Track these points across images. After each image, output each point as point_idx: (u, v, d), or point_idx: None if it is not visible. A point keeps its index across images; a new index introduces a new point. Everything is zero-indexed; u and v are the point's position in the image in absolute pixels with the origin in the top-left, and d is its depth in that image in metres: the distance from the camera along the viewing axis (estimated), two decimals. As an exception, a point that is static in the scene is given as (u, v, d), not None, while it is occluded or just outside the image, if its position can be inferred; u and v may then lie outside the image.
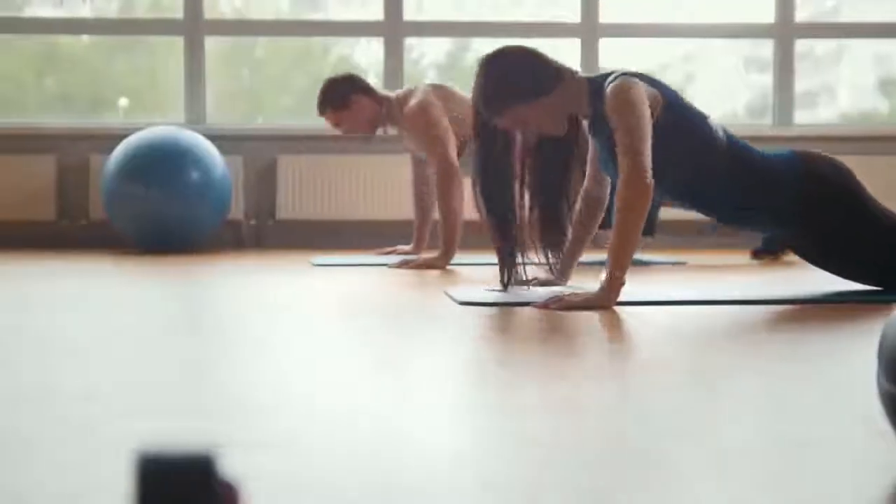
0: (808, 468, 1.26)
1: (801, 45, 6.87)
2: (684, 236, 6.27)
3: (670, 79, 7.40)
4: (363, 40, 6.86)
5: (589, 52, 6.64)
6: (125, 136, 5.86)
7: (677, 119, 3.18)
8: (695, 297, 3.16)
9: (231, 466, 1.25)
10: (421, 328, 2.58)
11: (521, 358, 2.10)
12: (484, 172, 3.34)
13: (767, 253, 5.08)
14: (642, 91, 3.11)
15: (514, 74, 3.21)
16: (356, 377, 1.88)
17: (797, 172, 3.25)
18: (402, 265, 4.63)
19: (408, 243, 5.46)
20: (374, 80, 6.48)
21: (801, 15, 6.79)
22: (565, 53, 6.81)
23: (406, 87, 5.14)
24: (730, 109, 7.10)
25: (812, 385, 1.82)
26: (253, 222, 6.46)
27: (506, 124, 3.24)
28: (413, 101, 4.87)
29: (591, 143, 3.37)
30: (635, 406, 1.63)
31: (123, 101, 6.97)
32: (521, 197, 3.39)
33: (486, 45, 7.03)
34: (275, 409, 1.60)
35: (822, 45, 7.42)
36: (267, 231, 6.48)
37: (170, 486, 0.78)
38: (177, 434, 1.42)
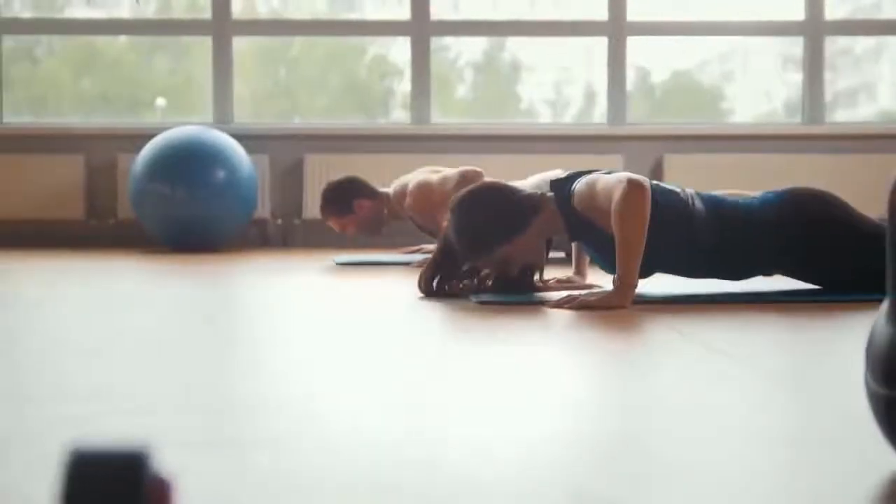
0: (800, 466, 1.25)
1: (841, 43, 6.79)
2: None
3: (708, 78, 7.39)
4: (400, 39, 6.84)
5: (616, 51, 6.61)
6: (153, 136, 5.90)
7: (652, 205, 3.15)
8: (708, 294, 3.14)
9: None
10: (429, 327, 2.57)
11: (528, 357, 2.09)
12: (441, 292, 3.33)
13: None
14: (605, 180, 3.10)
15: (492, 218, 3.19)
16: (357, 378, 1.87)
17: (776, 210, 3.18)
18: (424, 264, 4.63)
19: (432, 243, 5.45)
20: (408, 80, 6.52)
21: (840, 12, 6.71)
22: (593, 52, 6.79)
23: (399, 180, 5.11)
24: (768, 108, 7.03)
25: (811, 383, 1.80)
26: (279, 221, 6.48)
27: (489, 265, 3.24)
28: (410, 189, 4.88)
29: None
30: (636, 403, 1.62)
31: (161, 102, 7.01)
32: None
33: (521, 44, 7.13)
34: (264, 410, 1.60)
35: (862, 43, 7.34)
36: (293, 230, 6.49)
37: (97, 482, 0.78)
38: (179, 431, 1.42)
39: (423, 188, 4.81)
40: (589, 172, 3.19)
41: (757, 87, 7.07)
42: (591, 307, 2.94)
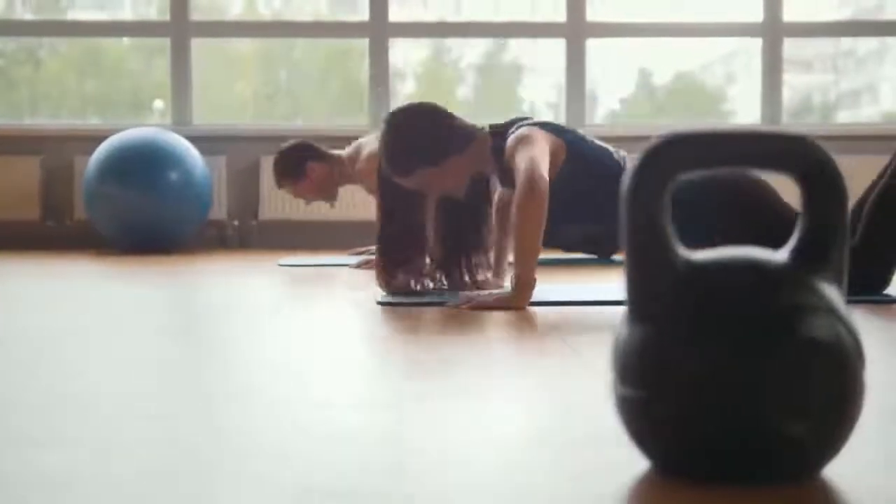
0: (549, 466, 1.26)
1: (844, 44, 6.75)
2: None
3: (710, 79, 7.36)
4: (399, 41, 6.80)
5: (575, 53, 6.60)
6: (108, 138, 5.91)
7: (583, 162, 3.21)
8: (607, 298, 3.14)
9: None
10: (327, 328, 2.57)
11: (423, 356, 2.10)
12: (390, 232, 3.28)
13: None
14: (542, 137, 3.12)
15: (420, 137, 3.16)
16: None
17: (697, 188, 3.18)
18: (363, 265, 4.64)
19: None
20: (410, 81, 6.54)
21: (844, 13, 6.64)
22: (553, 53, 6.78)
23: (354, 143, 5.10)
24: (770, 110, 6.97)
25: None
26: (236, 223, 6.48)
27: (410, 185, 3.22)
28: (364, 154, 4.87)
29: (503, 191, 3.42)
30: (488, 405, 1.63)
31: (158, 103, 7.01)
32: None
33: (522, 46, 7.09)
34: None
35: (864, 44, 7.29)
36: (250, 231, 6.50)
37: None
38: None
39: (376, 158, 4.78)
40: (529, 120, 3.21)
41: (759, 90, 7.01)
42: (488, 308, 2.94)
